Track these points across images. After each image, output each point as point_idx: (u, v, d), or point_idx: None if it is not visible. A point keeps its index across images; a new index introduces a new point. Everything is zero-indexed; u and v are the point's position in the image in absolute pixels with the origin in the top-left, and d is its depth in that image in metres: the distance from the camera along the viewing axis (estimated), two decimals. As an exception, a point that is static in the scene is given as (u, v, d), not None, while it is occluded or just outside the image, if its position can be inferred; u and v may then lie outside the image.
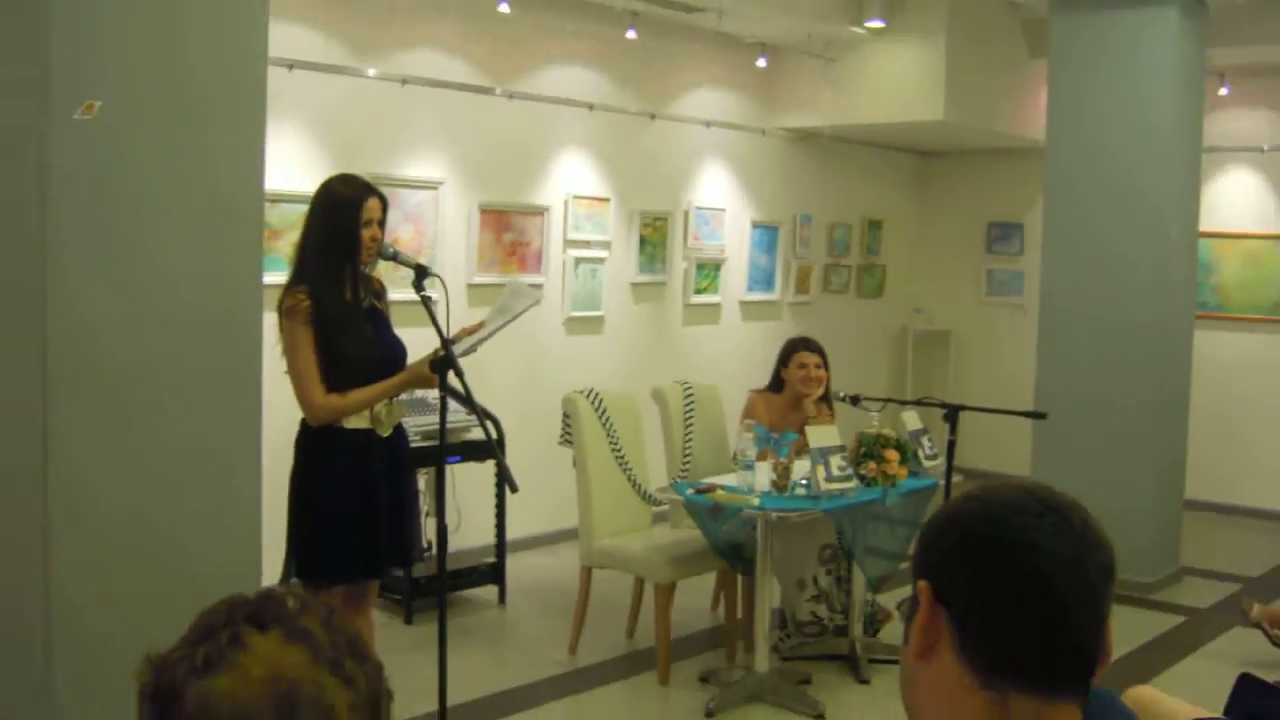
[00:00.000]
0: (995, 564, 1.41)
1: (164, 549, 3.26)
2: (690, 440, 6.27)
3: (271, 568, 3.92)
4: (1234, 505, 9.42)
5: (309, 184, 4.39)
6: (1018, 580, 1.39)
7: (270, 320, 3.85)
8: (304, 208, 4.22)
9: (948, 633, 1.43)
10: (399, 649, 5.66)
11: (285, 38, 6.16)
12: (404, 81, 6.92)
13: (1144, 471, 7.26)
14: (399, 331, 4.30)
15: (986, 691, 1.40)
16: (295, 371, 4.02)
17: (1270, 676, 2.40)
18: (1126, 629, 6.36)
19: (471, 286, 7.27)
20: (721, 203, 9.13)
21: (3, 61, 3.14)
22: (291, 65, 6.27)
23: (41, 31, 2.98)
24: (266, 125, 3.53)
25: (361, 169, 4.62)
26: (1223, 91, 9.20)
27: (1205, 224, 8.28)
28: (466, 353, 4.11)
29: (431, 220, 7.13)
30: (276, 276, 4.27)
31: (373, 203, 4.11)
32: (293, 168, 6.26)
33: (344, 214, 4.06)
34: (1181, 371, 7.61)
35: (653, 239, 8.59)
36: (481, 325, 4.21)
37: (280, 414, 4.02)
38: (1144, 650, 6.21)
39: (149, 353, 3.24)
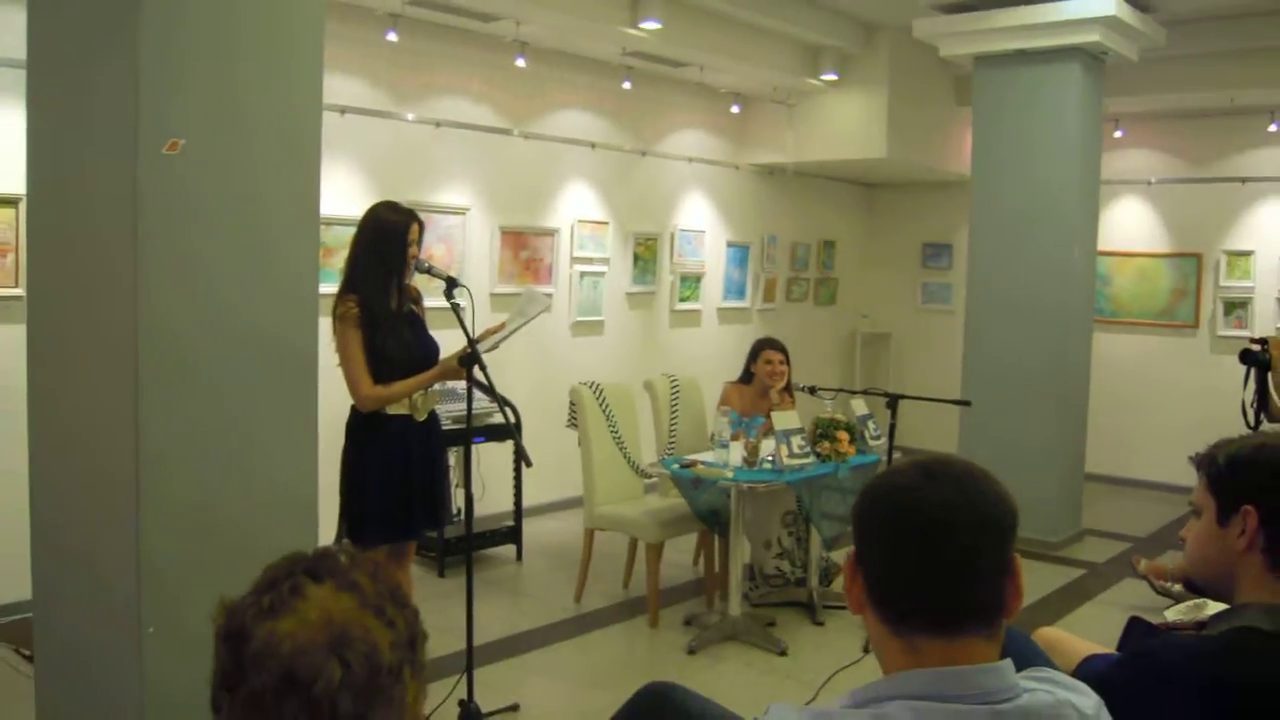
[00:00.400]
0: (883, 525, 1.42)
1: (235, 514, 3.25)
2: (675, 423, 6.27)
3: (326, 531, 3.91)
4: (1127, 478, 9.44)
5: (358, 210, 4.37)
6: (900, 537, 1.39)
7: (325, 324, 3.85)
8: (353, 229, 4.21)
9: (865, 591, 1.44)
10: (433, 598, 5.67)
11: (338, 87, 6.17)
12: (437, 124, 6.91)
13: (1051, 449, 7.27)
14: (432, 333, 4.29)
15: (898, 639, 1.40)
16: (347, 367, 4.01)
17: (1154, 619, 2.41)
18: (1036, 580, 6.38)
19: (494, 295, 7.26)
20: (702, 226, 9.12)
21: (101, 109, 3.13)
22: (344, 110, 6.26)
23: (133, 83, 2.97)
24: (322, 160, 3.52)
25: (401, 198, 4.61)
26: (1117, 134, 9.22)
27: (1102, 244, 8.29)
28: (490, 349, 4.10)
29: (460, 240, 7.12)
30: (330, 287, 4.26)
31: (414, 226, 4.10)
32: (344, 196, 6.25)
33: (392, 235, 4.05)
34: (1082, 366, 7.62)
35: (644, 256, 8.58)
36: (503, 326, 4.20)
37: (333, 402, 4.02)
38: (1051, 598, 6.21)
39: (223, 350, 3.23)
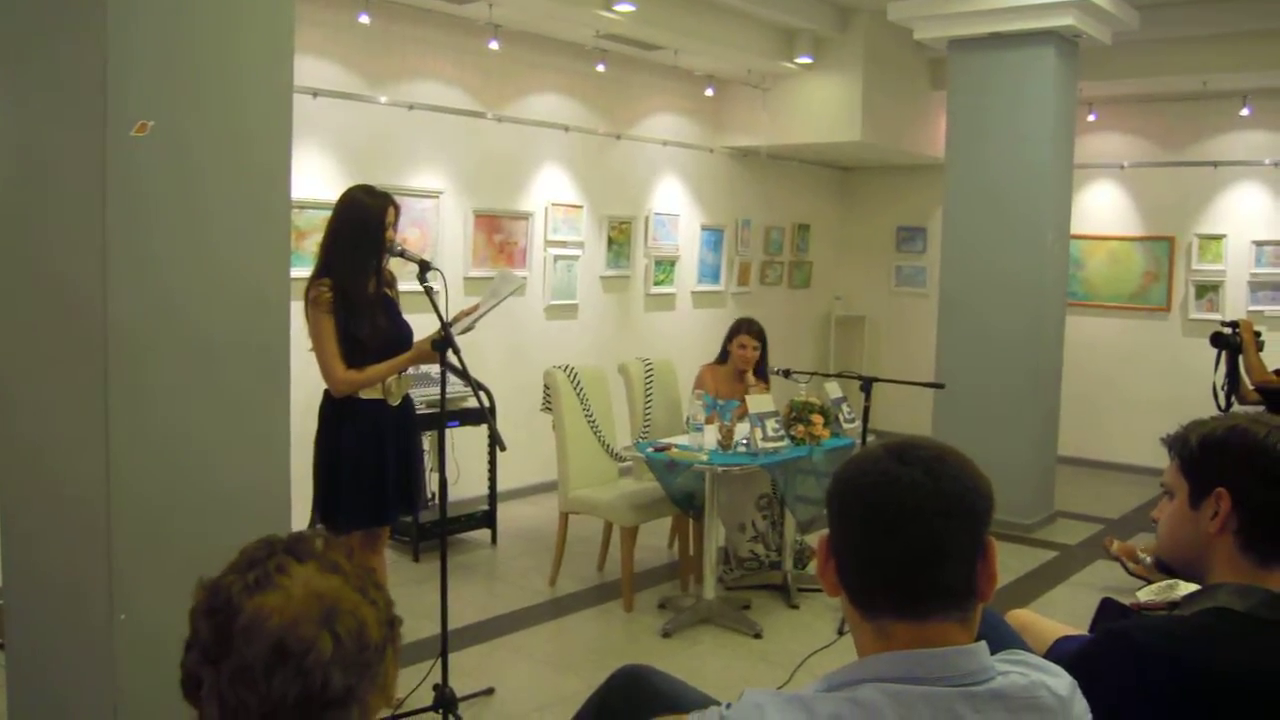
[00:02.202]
0: (853, 510, 1.41)
1: (206, 502, 3.22)
2: (650, 407, 6.28)
3: (299, 516, 3.88)
4: (1099, 460, 9.52)
5: (330, 193, 4.35)
6: (869, 522, 1.39)
7: (297, 307, 3.82)
8: (326, 213, 4.17)
9: (837, 574, 1.44)
10: (408, 582, 5.66)
11: (310, 69, 6.12)
12: (410, 107, 6.87)
13: (1024, 431, 7.31)
14: (406, 317, 4.27)
15: (869, 622, 1.40)
16: (320, 352, 3.99)
17: (1126, 600, 2.43)
18: (1008, 562, 6.43)
19: (467, 279, 7.23)
20: (676, 209, 9.11)
21: (68, 90, 3.09)
22: (315, 93, 6.21)
23: (100, 65, 2.94)
24: (294, 143, 3.48)
25: (374, 181, 4.57)
26: (1090, 118, 9.26)
27: (1075, 227, 8.33)
28: (464, 331, 4.08)
29: (434, 224, 7.09)
30: (302, 270, 4.23)
31: (391, 210, 4.08)
32: (316, 179, 6.22)
33: (370, 219, 4.02)
34: (1054, 348, 7.66)
35: (619, 239, 8.57)
36: (476, 307, 4.20)
37: (305, 386, 3.99)
38: (1024, 579, 6.26)
39: (193, 335, 3.20)
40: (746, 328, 6.19)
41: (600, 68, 7.80)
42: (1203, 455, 1.83)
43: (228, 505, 3.27)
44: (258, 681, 1.15)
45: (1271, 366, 6.59)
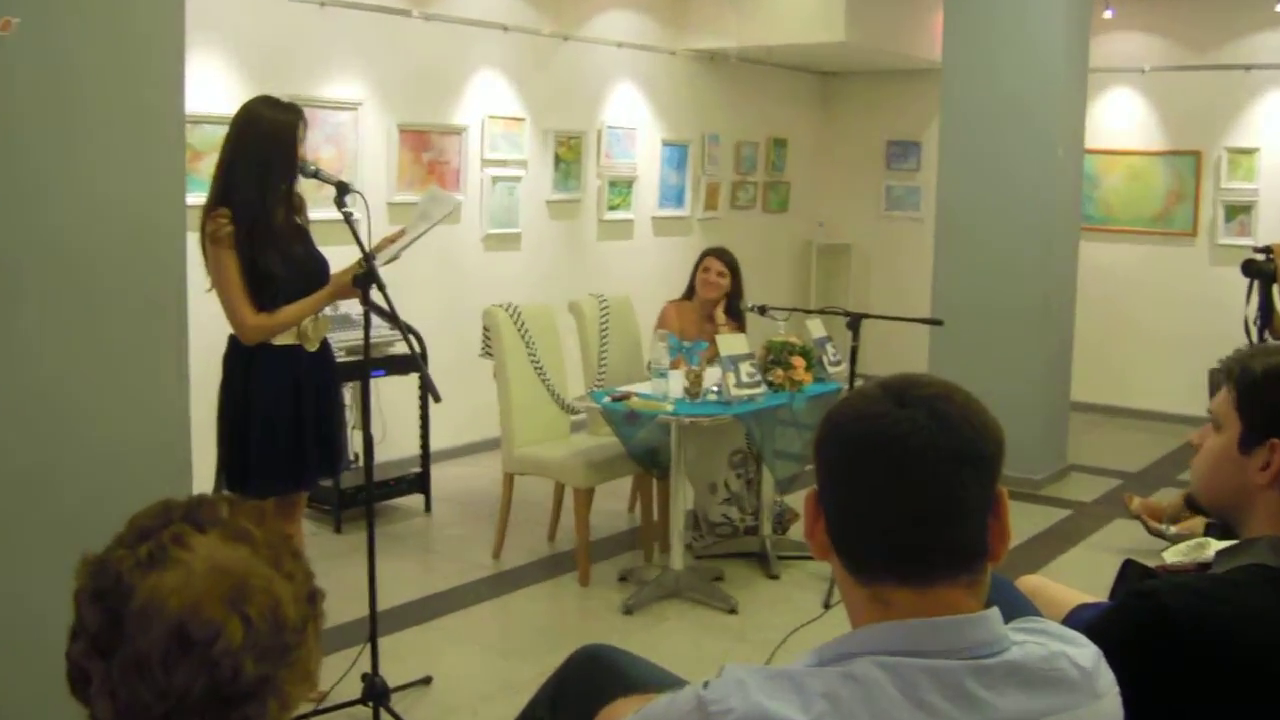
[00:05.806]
0: (845, 458, 1.41)
1: (92, 460, 3.20)
2: (606, 350, 6.28)
3: (201, 482, 3.86)
4: (1117, 406, 9.61)
5: (229, 106, 4.28)
6: (864, 472, 1.39)
7: (193, 240, 3.77)
8: (223, 129, 4.10)
9: (828, 534, 1.44)
10: (330, 557, 5.65)
11: (202, -40, 6.00)
12: (322, 4, 6.76)
13: (1033, 374, 7.38)
14: (319, 248, 4.23)
15: (865, 587, 1.40)
16: (224, 295, 3.93)
17: (1150, 563, 2.46)
18: (1016, 522, 6.44)
19: (391, 205, 7.16)
20: (633, 122, 9.07)
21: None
22: (209, -13, 6.11)
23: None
24: (187, 47, 3.42)
25: (281, 91, 4.50)
26: (1107, 14, 9.23)
27: (1090, 141, 8.37)
28: (389, 260, 4.04)
29: (351, 140, 7.01)
30: (198, 197, 4.17)
31: (301, 125, 4.03)
32: (212, 90, 6.12)
33: (277, 137, 3.95)
34: (1067, 280, 7.73)
35: (567, 157, 8.53)
36: (402, 233, 4.15)
37: (207, 331, 3.95)
38: (1033, 541, 6.35)
39: (73, 272, 3.15)
40: (714, 253, 6.22)
41: (543, -43, 7.72)
42: (1267, 391, 1.82)
43: (117, 468, 3.24)
44: (156, 675, 1.13)
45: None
